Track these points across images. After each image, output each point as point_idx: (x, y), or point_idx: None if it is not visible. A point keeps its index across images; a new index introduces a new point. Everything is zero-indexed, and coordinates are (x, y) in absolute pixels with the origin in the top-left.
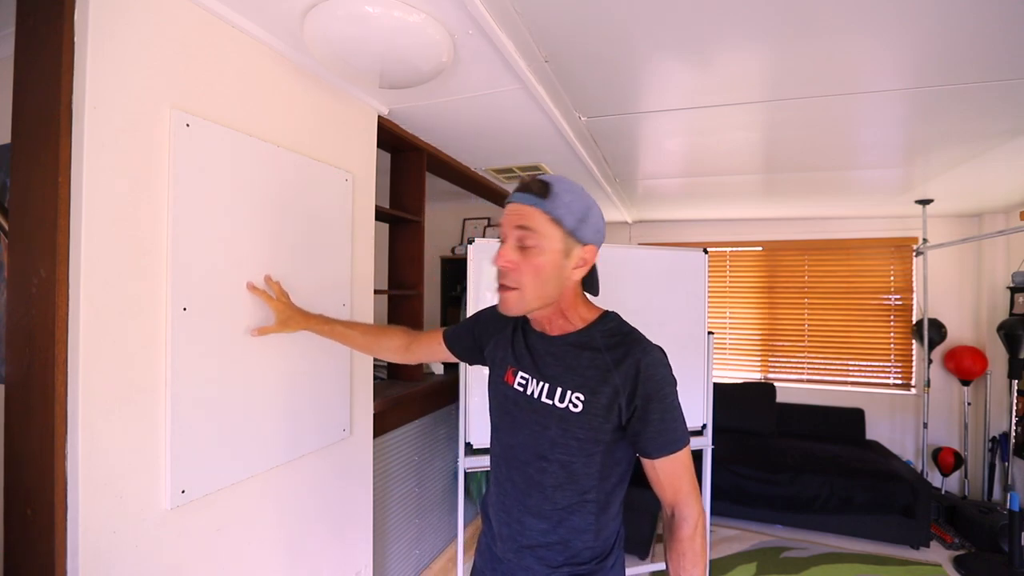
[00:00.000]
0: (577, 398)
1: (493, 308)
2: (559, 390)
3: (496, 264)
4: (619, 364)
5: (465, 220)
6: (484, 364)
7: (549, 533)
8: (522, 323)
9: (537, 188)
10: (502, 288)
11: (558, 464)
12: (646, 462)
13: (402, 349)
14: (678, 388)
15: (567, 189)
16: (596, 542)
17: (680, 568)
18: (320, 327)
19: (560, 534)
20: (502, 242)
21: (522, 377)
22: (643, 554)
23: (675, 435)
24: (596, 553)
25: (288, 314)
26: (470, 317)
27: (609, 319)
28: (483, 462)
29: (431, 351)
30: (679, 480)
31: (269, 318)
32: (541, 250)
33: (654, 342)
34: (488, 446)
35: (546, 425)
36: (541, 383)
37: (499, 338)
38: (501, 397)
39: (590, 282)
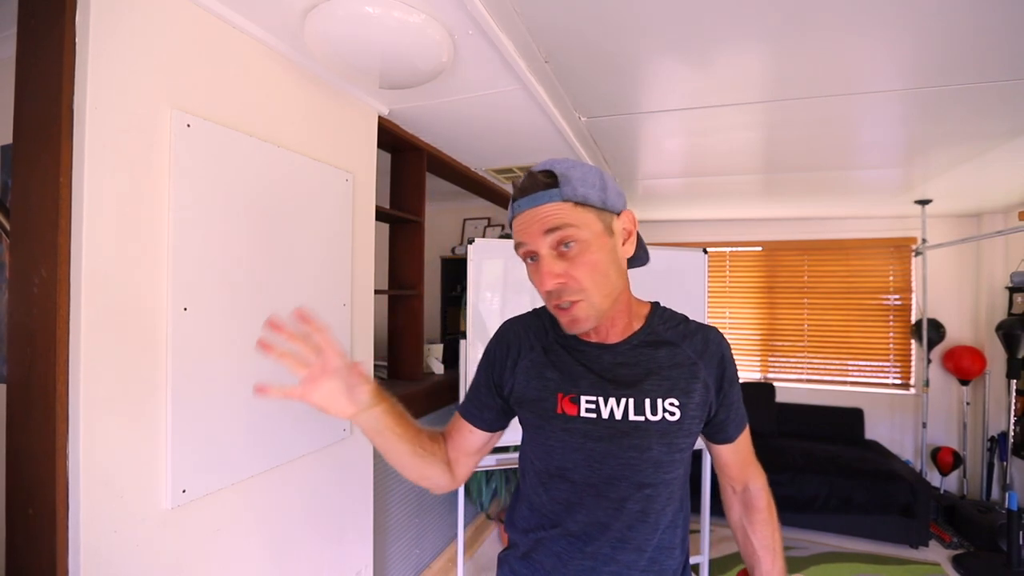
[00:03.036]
0: (671, 404)
1: (496, 337)
2: (647, 401)
3: (545, 288)
4: (702, 355)
5: (465, 220)
6: (515, 414)
7: (640, 561)
8: (558, 339)
9: (544, 179)
10: (563, 309)
11: (663, 485)
12: (724, 448)
13: (446, 475)
14: None
15: (571, 165)
16: (681, 555)
17: (768, 538)
18: (382, 419)
19: (653, 557)
20: (531, 260)
21: (588, 402)
22: None
23: (743, 409)
24: (677, 565)
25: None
26: (479, 366)
27: (659, 307)
28: (483, 461)
29: (467, 446)
30: (750, 453)
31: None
32: (586, 244)
33: None
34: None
35: (645, 447)
36: (622, 400)
37: (523, 364)
38: (561, 434)
39: (636, 255)
